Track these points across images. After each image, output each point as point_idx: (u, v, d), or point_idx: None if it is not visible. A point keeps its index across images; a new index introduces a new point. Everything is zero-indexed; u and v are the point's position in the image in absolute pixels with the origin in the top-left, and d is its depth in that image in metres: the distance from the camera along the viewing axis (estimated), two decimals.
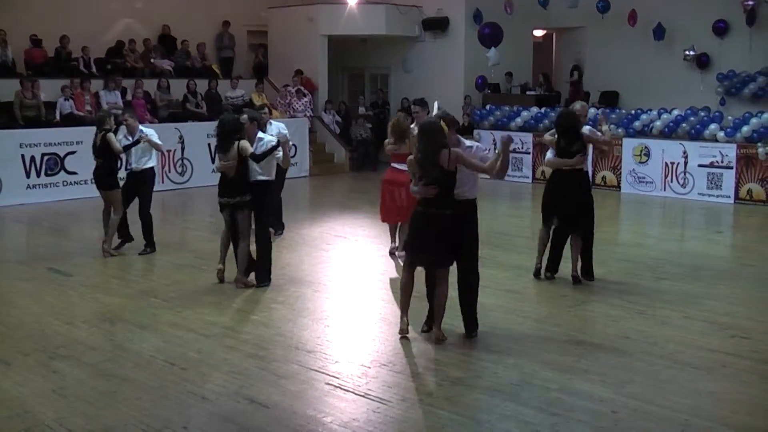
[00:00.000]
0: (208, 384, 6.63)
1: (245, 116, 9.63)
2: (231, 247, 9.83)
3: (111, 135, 11.13)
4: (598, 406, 6.21)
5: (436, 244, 7.48)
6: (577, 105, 10.22)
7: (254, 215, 9.64)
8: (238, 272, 9.70)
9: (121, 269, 10.77)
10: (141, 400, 6.32)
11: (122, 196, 11.26)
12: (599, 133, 10.05)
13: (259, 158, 9.39)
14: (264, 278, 9.72)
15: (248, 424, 5.93)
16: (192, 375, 6.83)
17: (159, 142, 11.48)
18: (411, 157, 7.67)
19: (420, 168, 7.42)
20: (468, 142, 7.76)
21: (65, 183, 16.52)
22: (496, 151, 7.52)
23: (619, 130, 18.17)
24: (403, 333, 7.76)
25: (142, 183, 11.45)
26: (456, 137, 7.60)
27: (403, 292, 7.74)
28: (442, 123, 7.52)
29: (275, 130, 11.69)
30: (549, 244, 9.93)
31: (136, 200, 11.45)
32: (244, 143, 9.38)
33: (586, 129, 9.81)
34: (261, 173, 9.51)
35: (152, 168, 11.54)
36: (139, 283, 10.04)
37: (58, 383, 6.67)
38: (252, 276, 9.75)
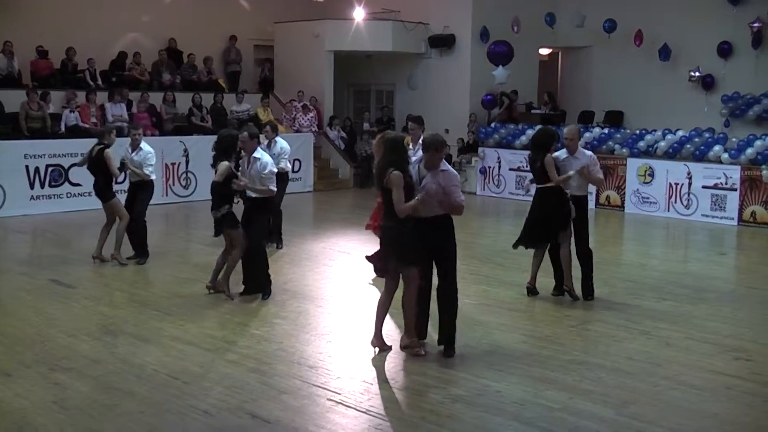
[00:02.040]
0: (209, 398, 6.62)
1: (245, 133, 9.65)
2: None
3: (109, 152, 11.21)
4: (601, 426, 6.18)
5: (383, 254, 7.71)
6: (566, 128, 10.20)
7: (244, 230, 9.67)
8: (221, 277, 9.79)
9: (123, 282, 10.77)
10: (143, 414, 6.31)
11: (125, 204, 11.49)
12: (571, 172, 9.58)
13: (217, 186, 9.41)
14: (258, 290, 9.75)
15: None
16: (194, 389, 6.82)
17: (146, 172, 11.48)
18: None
19: (375, 176, 7.72)
20: (444, 166, 7.59)
21: (69, 194, 16.52)
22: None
23: (624, 150, 18.19)
24: (373, 346, 7.84)
25: (141, 190, 11.61)
26: (441, 162, 7.55)
27: (378, 307, 7.88)
28: (408, 140, 7.61)
29: (278, 147, 11.80)
30: (552, 265, 9.95)
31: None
32: (221, 165, 9.38)
33: (558, 154, 9.70)
34: (255, 191, 9.59)
35: (150, 180, 11.63)
36: (141, 295, 10.03)
37: (59, 395, 6.66)
38: (236, 289, 9.81)
